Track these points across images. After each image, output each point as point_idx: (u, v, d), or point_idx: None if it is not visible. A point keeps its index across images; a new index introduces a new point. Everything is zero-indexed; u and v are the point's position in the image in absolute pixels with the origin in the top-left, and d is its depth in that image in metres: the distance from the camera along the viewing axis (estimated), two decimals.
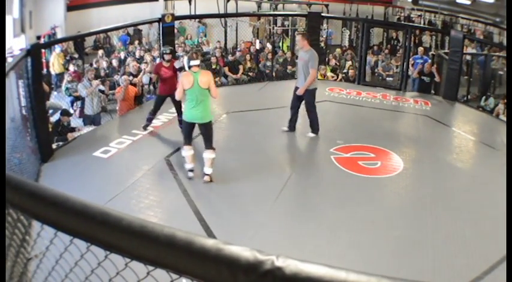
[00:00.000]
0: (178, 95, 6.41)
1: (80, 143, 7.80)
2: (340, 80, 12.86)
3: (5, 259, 1.63)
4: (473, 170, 7.52)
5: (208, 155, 6.40)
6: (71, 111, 9.73)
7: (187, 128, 6.42)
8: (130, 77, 10.59)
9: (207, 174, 6.42)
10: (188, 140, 6.44)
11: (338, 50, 15.19)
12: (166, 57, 8.13)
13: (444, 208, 5.99)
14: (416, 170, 7.13)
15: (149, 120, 8.23)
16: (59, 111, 8.86)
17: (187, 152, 6.44)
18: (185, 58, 6.39)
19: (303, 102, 8.03)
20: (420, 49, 13.09)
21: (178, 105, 7.84)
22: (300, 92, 7.83)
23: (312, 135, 8.09)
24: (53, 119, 8.68)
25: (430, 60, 12.17)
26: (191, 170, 6.48)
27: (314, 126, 8.08)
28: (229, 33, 15.28)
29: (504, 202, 4.55)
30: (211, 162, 6.41)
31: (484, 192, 6.48)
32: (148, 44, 14.67)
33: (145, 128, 8.18)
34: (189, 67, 6.26)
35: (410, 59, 12.11)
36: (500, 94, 12.05)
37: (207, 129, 6.41)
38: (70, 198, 1.24)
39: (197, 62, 6.29)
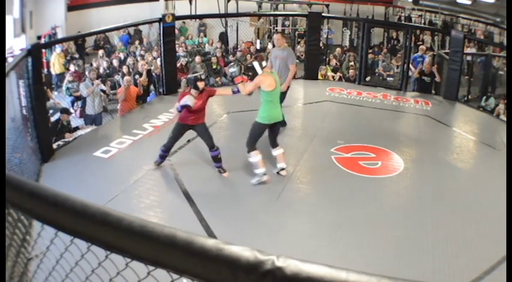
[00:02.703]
0: (246, 92, 6.26)
1: (80, 143, 7.80)
2: (340, 80, 12.86)
3: (5, 259, 1.63)
4: (473, 170, 7.52)
5: (279, 151, 6.51)
6: (72, 111, 9.73)
7: (262, 132, 6.28)
8: (136, 76, 10.61)
9: (283, 169, 6.59)
10: (255, 144, 6.28)
11: (338, 49, 15.20)
12: (200, 85, 6.43)
13: (444, 208, 5.99)
14: (417, 170, 7.12)
15: (163, 157, 6.84)
16: (59, 111, 8.86)
17: (257, 157, 6.27)
18: (255, 62, 6.17)
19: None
20: (421, 48, 13.10)
21: (208, 136, 6.62)
22: (283, 88, 7.77)
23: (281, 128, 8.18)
24: (53, 118, 8.67)
25: (427, 58, 12.17)
26: (265, 174, 6.33)
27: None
28: (229, 33, 15.32)
29: (504, 202, 4.55)
30: (284, 157, 6.58)
31: (484, 192, 6.47)
32: (149, 44, 14.66)
33: (158, 164, 6.85)
34: (262, 68, 6.15)
35: (412, 59, 12.13)
36: (500, 94, 12.04)
37: (279, 128, 6.42)
38: (70, 198, 1.24)
39: (266, 63, 6.28)
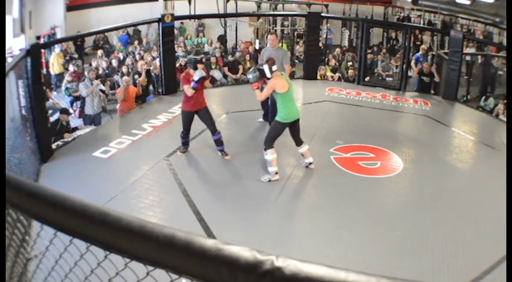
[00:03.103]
0: (262, 97, 6.66)
1: (79, 143, 7.80)
2: (339, 80, 12.87)
3: (6, 259, 1.63)
4: (472, 170, 7.52)
5: (304, 148, 6.76)
6: (71, 111, 9.73)
7: (281, 131, 6.50)
8: (136, 76, 10.61)
9: (311, 163, 6.87)
10: (273, 143, 6.47)
11: (338, 49, 15.20)
12: (199, 67, 6.77)
13: (444, 208, 5.99)
14: (416, 170, 7.13)
15: (185, 144, 7.29)
16: (58, 111, 8.86)
17: (273, 155, 6.44)
18: (265, 66, 6.40)
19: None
20: (422, 47, 13.11)
21: (211, 120, 7.03)
22: None
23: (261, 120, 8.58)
24: (53, 119, 8.67)
25: (422, 59, 12.22)
26: (277, 173, 6.51)
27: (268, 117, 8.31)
28: (228, 33, 15.31)
29: (504, 202, 4.56)
30: (310, 152, 6.85)
31: (483, 192, 6.48)
32: (148, 44, 14.66)
33: (183, 152, 7.28)
34: (272, 72, 6.39)
35: (413, 58, 12.14)
36: (500, 94, 12.05)
37: (299, 126, 6.61)
38: (69, 198, 1.24)
39: (276, 67, 6.50)
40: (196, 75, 6.64)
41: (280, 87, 6.31)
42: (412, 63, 12.00)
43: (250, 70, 6.68)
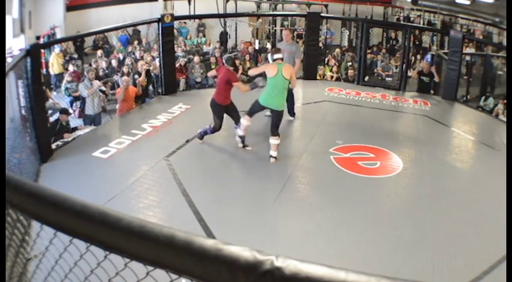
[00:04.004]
0: (250, 72, 7.42)
1: (79, 143, 7.80)
2: (338, 79, 12.87)
3: (5, 259, 1.63)
4: (472, 170, 7.52)
5: (273, 141, 7.08)
6: (71, 111, 9.72)
7: (259, 107, 7.11)
8: (136, 76, 10.61)
9: (273, 157, 7.12)
10: (253, 114, 7.18)
11: (337, 50, 15.20)
12: (237, 62, 7.69)
13: (443, 208, 5.99)
14: (416, 170, 7.13)
15: (205, 134, 7.64)
16: (58, 111, 8.85)
17: (245, 122, 7.19)
18: (269, 55, 7.22)
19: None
20: (433, 49, 13.13)
21: (237, 112, 7.45)
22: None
23: (291, 118, 8.85)
24: (52, 119, 8.66)
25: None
26: (241, 137, 7.36)
27: (292, 111, 8.86)
28: (228, 33, 15.30)
29: (503, 202, 4.56)
30: (276, 147, 7.12)
31: (483, 192, 6.48)
32: (147, 45, 14.65)
33: (201, 138, 7.66)
34: (274, 60, 7.01)
35: (425, 58, 12.16)
36: (499, 94, 12.04)
37: (277, 117, 7.06)
38: (69, 199, 1.24)
39: (280, 55, 7.09)
40: (260, 81, 7.22)
41: (269, 71, 6.89)
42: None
43: (260, 78, 7.26)
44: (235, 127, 7.48)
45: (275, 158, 7.09)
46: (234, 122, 7.48)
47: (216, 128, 7.41)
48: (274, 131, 7.05)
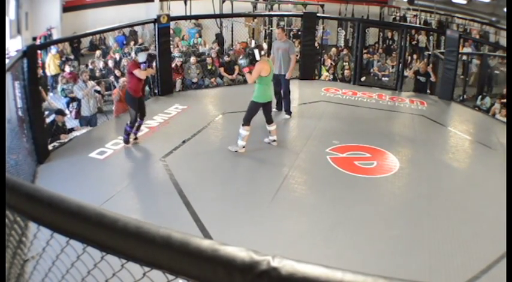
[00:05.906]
0: (251, 80, 7.23)
1: (75, 144, 7.79)
2: (335, 79, 12.87)
3: (5, 260, 1.64)
4: (469, 170, 7.54)
5: (272, 127, 7.60)
6: (67, 112, 9.70)
7: (257, 109, 7.30)
8: None
9: (275, 140, 7.69)
10: (250, 120, 7.26)
11: (333, 49, 15.20)
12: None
13: (440, 207, 6.00)
14: (412, 169, 7.14)
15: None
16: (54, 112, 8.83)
17: (247, 132, 7.28)
18: (256, 50, 7.21)
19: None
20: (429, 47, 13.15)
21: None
22: (288, 76, 8.95)
23: (287, 117, 9.04)
24: (49, 120, 8.64)
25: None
26: (244, 147, 7.36)
27: (288, 110, 9.09)
28: (224, 34, 15.30)
29: (500, 201, 4.57)
30: (276, 132, 7.67)
31: (480, 192, 6.49)
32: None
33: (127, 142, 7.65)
34: (261, 56, 7.18)
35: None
36: (496, 93, 12.06)
37: (270, 107, 7.56)
38: (66, 200, 1.24)
39: (263, 51, 7.36)
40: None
41: (265, 71, 7.11)
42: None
43: (242, 56, 7.49)
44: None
45: (276, 140, 7.67)
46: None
47: (132, 121, 7.46)
48: (271, 119, 7.54)
